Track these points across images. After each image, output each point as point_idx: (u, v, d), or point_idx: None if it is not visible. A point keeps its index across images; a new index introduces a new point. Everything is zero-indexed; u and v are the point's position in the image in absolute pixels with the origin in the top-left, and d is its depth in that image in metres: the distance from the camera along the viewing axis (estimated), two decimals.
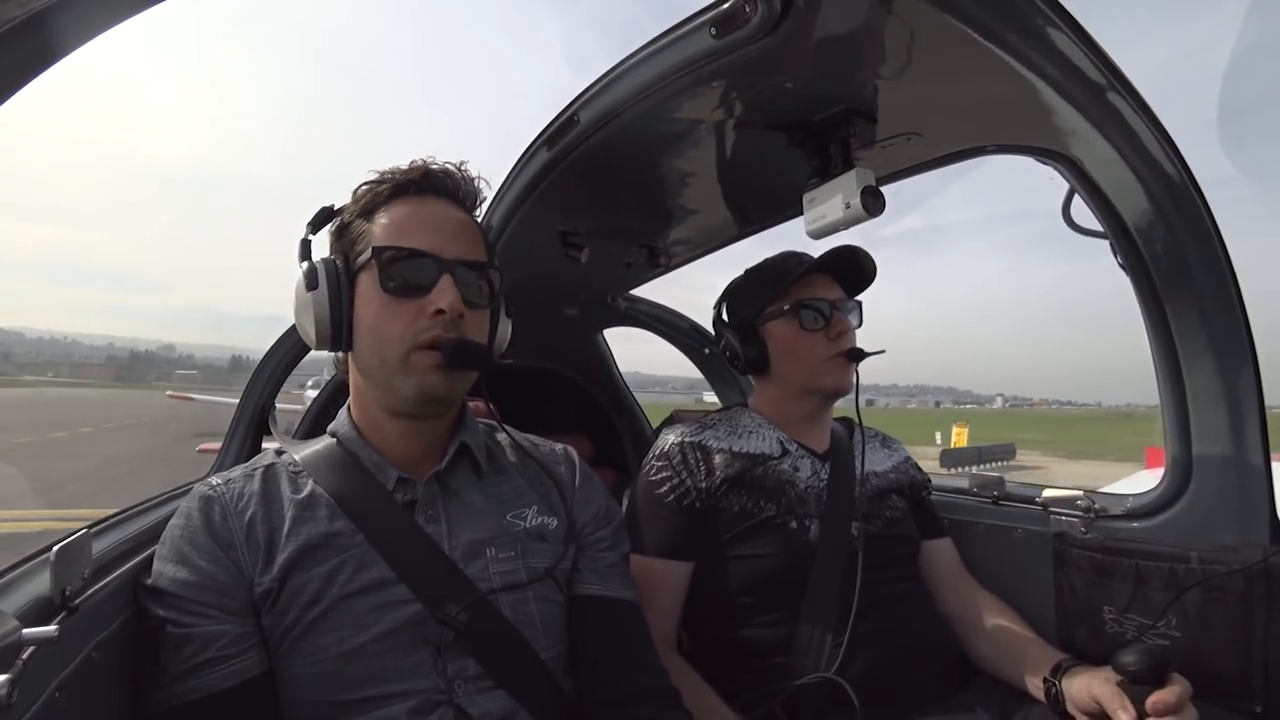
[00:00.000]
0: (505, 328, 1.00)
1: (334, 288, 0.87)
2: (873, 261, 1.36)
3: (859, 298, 1.40)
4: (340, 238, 0.92)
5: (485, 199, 0.99)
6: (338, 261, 0.88)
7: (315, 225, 0.93)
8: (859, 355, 1.32)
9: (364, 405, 0.94)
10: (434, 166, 0.93)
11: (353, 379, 0.95)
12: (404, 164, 0.92)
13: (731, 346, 1.40)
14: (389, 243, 0.86)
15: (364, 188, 0.92)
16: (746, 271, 1.44)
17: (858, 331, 1.37)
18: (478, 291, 0.91)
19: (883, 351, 1.35)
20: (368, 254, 0.86)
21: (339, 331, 0.87)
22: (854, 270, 1.36)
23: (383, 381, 0.88)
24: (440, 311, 0.84)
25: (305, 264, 0.89)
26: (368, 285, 0.87)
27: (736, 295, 1.45)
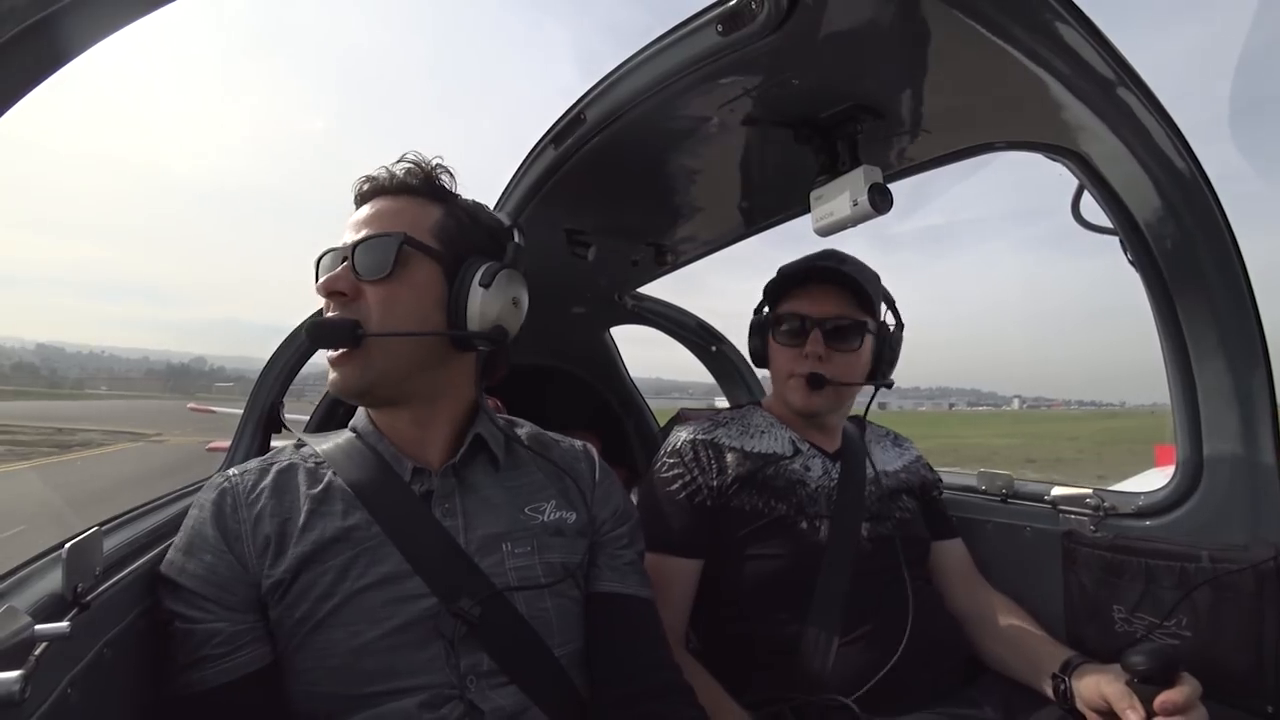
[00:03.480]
0: (477, 299, 0.88)
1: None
2: (854, 274, 1.27)
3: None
4: None
5: (442, 174, 0.95)
6: None
7: None
8: (819, 382, 1.27)
9: None
10: (375, 170, 0.94)
11: None
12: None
13: (750, 339, 1.44)
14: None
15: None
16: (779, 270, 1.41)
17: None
18: (377, 264, 0.85)
19: (852, 384, 1.29)
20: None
21: None
22: (848, 282, 1.28)
23: None
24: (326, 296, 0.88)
25: None
26: None
27: (766, 290, 1.41)
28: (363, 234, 0.88)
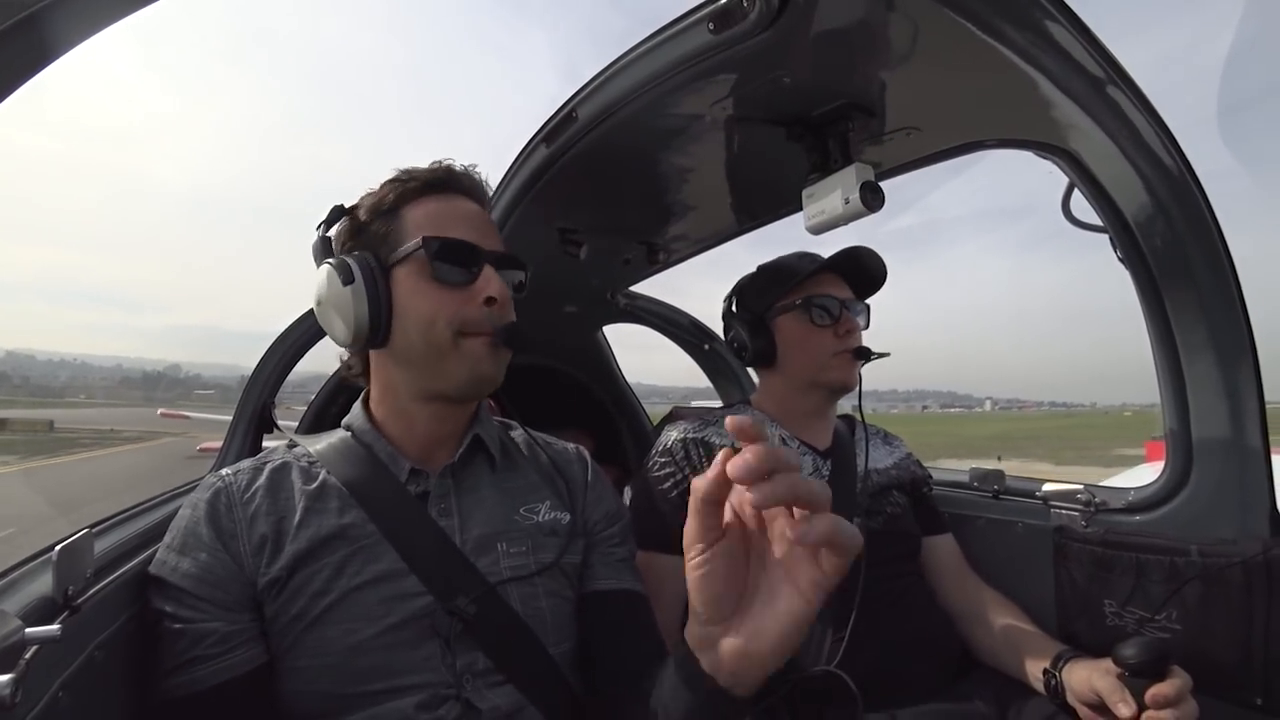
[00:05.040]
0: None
1: (371, 282, 0.87)
2: (882, 264, 1.38)
3: (868, 301, 1.43)
4: (359, 235, 0.93)
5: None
6: (368, 258, 0.89)
7: (329, 223, 0.95)
8: (865, 354, 1.34)
9: (393, 396, 0.94)
10: (455, 167, 0.96)
11: (380, 372, 0.95)
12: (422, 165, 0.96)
13: (740, 338, 1.42)
14: (436, 234, 0.88)
15: (387, 184, 0.94)
16: (759, 268, 1.47)
17: (864, 334, 1.39)
18: (517, 281, 0.97)
19: (887, 355, 1.37)
20: (412, 246, 0.88)
21: (378, 325, 0.88)
22: (864, 273, 1.39)
23: (430, 367, 0.89)
24: (491, 299, 0.88)
25: (333, 260, 0.90)
26: (409, 277, 0.88)
27: (748, 290, 1.47)
28: (499, 247, 0.94)
